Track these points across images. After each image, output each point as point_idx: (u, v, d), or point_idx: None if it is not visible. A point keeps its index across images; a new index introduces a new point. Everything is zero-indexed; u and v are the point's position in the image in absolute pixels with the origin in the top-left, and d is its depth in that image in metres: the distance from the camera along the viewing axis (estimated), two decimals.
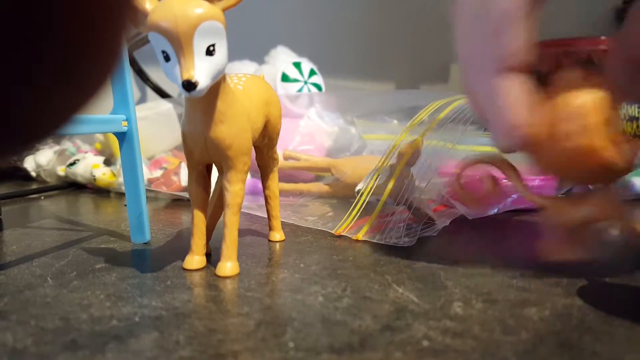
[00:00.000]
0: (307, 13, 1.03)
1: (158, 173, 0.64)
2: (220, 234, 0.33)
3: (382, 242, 0.40)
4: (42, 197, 0.63)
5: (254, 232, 0.44)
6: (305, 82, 0.77)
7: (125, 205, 0.40)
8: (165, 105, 0.75)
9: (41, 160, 0.74)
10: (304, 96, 0.74)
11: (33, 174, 0.75)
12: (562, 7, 1.13)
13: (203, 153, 0.31)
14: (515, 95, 0.27)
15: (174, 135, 0.74)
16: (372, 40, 1.08)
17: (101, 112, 0.37)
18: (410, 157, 0.48)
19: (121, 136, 0.39)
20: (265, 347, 0.22)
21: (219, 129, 0.30)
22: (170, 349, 0.22)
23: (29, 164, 0.75)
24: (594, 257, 0.31)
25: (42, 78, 0.11)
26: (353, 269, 0.33)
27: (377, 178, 0.46)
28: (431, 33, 1.11)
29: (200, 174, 0.33)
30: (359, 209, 0.44)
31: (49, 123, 0.12)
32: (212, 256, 0.36)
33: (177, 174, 0.60)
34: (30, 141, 0.12)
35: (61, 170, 0.70)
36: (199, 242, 0.33)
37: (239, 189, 0.32)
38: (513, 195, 0.51)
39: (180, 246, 0.39)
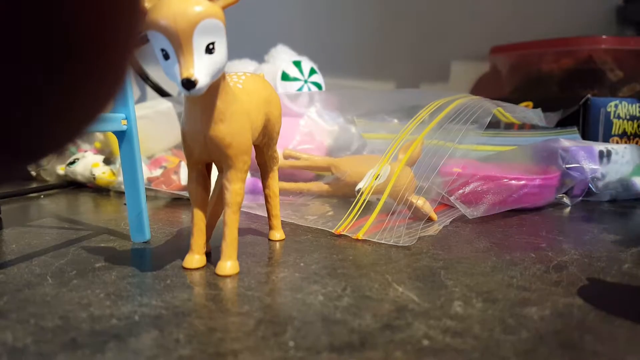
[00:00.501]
0: (307, 12, 1.03)
1: (158, 172, 0.64)
2: (220, 233, 0.33)
3: (382, 242, 0.40)
4: (42, 196, 0.63)
5: (254, 231, 0.44)
6: (306, 81, 0.77)
7: (125, 204, 0.40)
8: (164, 104, 0.75)
9: None
10: (304, 95, 0.74)
11: (33, 172, 0.75)
12: (563, 7, 1.13)
13: (203, 152, 0.31)
14: None
15: (174, 134, 0.74)
16: (372, 39, 1.08)
17: None
18: (410, 156, 0.48)
19: (121, 135, 0.39)
20: (265, 346, 0.22)
21: (219, 127, 0.30)
22: (170, 347, 0.22)
23: None
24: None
25: (54, 93, 0.11)
26: (353, 268, 0.33)
27: (377, 177, 0.46)
28: (432, 32, 1.11)
29: (200, 172, 0.33)
30: (359, 208, 0.44)
31: (63, 136, 0.12)
32: (212, 255, 0.36)
33: (176, 172, 0.60)
34: (46, 153, 0.12)
35: (61, 169, 0.70)
36: (198, 241, 0.33)
37: (239, 187, 0.32)
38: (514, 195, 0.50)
39: (180, 245, 0.39)
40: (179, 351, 0.22)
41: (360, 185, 0.47)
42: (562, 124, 0.71)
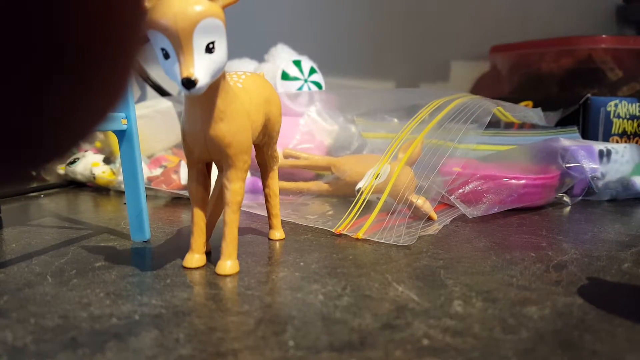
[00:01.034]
0: (307, 11, 1.03)
1: (158, 171, 0.64)
2: (220, 232, 0.33)
3: (382, 241, 0.40)
4: (42, 196, 0.63)
5: (254, 231, 0.44)
6: (306, 81, 0.77)
7: (125, 203, 0.40)
8: (165, 103, 0.75)
9: None
10: (304, 94, 0.74)
11: (32, 172, 0.75)
12: (563, 6, 1.13)
13: (203, 151, 0.31)
14: None
15: (174, 133, 0.74)
16: (373, 38, 1.08)
17: None
18: (410, 156, 0.48)
19: (121, 134, 0.39)
20: (265, 345, 0.22)
21: (219, 127, 0.30)
22: (170, 347, 0.22)
23: None
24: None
25: (57, 102, 0.11)
26: (353, 267, 0.33)
27: (377, 176, 0.46)
28: (432, 31, 1.10)
29: (200, 172, 0.33)
30: (359, 208, 0.44)
31: (67, 141, 0.12)
32: (212, 254, 0.36)
33: (176, 172, 0.60)
34: (53, 157, 0.13)
35: (61, 169, 0.70)
36: (198, 240, 0.33)
37: (239, 187, 0.32)
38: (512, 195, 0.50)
39: (180, 244, 0.39)
40: (179, 350, 0.22)
41: (360, 185, 0.47)
42: (562, 123, 0.71)
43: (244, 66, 0.81)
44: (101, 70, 0.12)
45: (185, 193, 0.58)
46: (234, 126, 0.31)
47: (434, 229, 0.44)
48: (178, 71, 0.26)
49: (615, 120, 0.72)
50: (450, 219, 0.47)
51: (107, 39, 0.11)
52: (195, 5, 0.26)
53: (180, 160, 0.62)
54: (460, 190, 0.50)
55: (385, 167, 0.47)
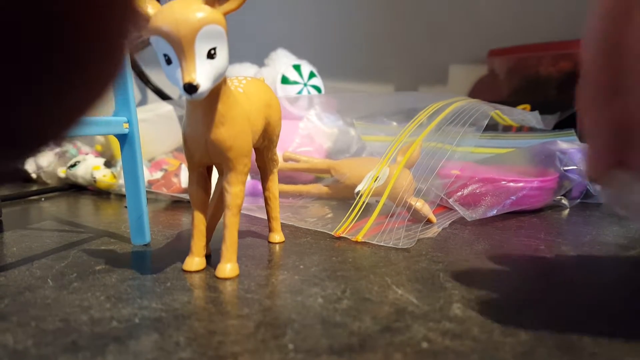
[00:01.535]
0: (307, 16, 1.04)
1: (158, 175, 0.64)
2: (220, 235, 0.33)
3: (382, 244, 0.40)
4: (43, 199, 0.63)
5: (253, 234, 0.44)
6: (305, 85, 0.77)
7: (126, 206, 0.41)
8: (166, 107, 0.75)
9: (42, 162, 0.74)
10: (304, 98, 0.74)
11: (33, 175, 0.75)
12: (561, 10, 1.14)
13: (203, 155, 0.32)
14: None
15: (175, 137, 0.74)
16: (372, 42, 1.09)
17: (102, 114, 0.37)
18: (409, 158, 0.48)
19: (122, 138, 0.39)
20: (265, 348, 0.22)
21: (220, 131, 0.30)
22: (170, 350, 0.22)
23: (30, 165, 0.76)
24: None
25: (45, 82, 0.11)
26: (352, 270, 0.34)
27: (376, 179, 0.47)
28: (430, 35, 1.11)
29: (200, 175, 0.33)
30: (358, 211, 0.44)
31: (53, 128, 0.12)
32: (212, 258, 0.36)
33: (177, 175, 0.60)
34: (35, 146, 0.12)
35: (62, 172, 0.70)
36: (199, 243, 0.33)
37: (239, 190, 0.32)
38: (512, 197, 0.51)
39: (180, 248, 0.39)
40: (179, 354, 0.22)
41: (359, 188, 0.47)
42: (560, 126, 0.71)
43: (245, 70, 0.82)
44: (90, 52, 0.11)
45: (186, 196, 0.58)
46: (234, 130, 0.31)
47: (433, 231, 0.44)
48: (180, 76, 0.27)
49: None
50: (449, 222, 0.48)
51: (95, 16, 0.11)
52: (197, 12, 0.26)
53: (180, 164, 0.62)
54: (459, 193, 0.50)
55: (384, 170, 0.47)
